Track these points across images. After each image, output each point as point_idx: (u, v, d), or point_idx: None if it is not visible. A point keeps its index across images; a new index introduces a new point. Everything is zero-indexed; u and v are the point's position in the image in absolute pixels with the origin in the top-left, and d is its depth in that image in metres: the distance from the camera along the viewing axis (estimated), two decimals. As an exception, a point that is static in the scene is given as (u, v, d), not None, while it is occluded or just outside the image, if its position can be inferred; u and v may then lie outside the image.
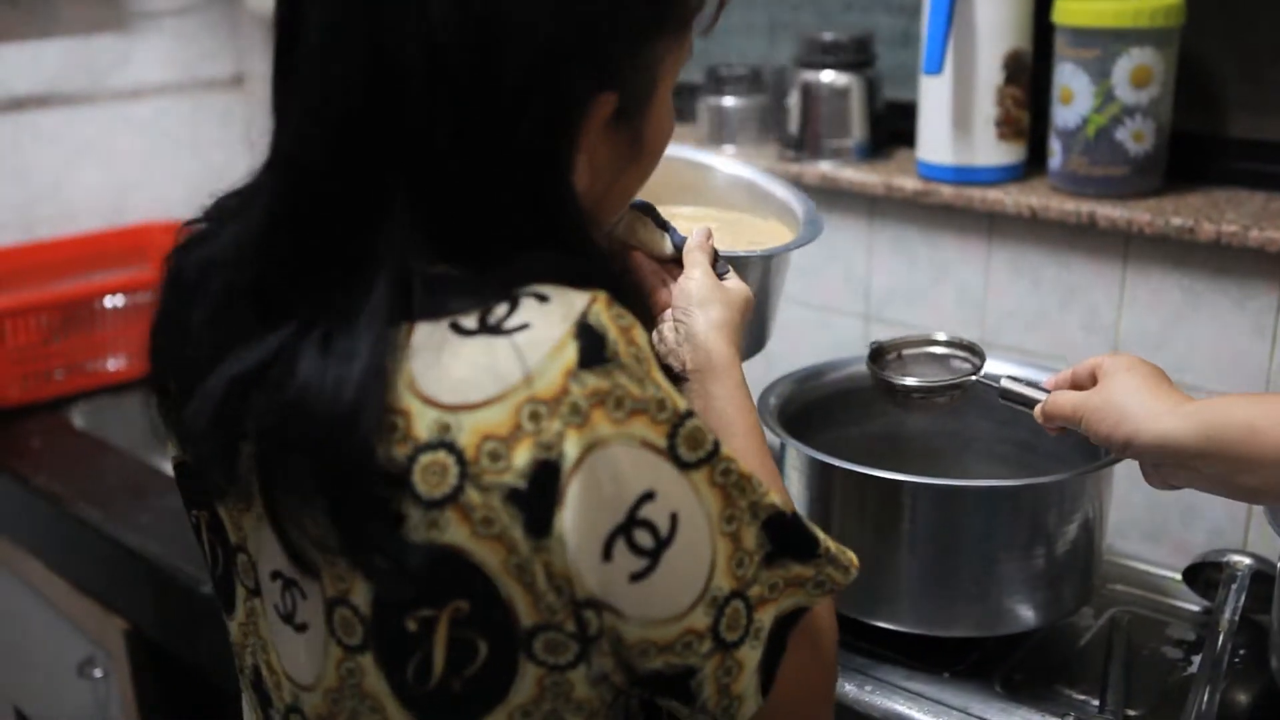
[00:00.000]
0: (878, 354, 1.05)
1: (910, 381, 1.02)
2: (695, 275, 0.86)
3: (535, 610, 0.65)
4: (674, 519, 0.65)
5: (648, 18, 0.71)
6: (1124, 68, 1.37)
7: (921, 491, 1.00)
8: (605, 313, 0.64)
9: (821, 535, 0.72)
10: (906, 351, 1.07)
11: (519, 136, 0.67)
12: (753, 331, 1.02)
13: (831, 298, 1.66)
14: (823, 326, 1.66)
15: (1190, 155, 1.45)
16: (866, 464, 1.03)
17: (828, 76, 1.61)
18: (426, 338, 0.65)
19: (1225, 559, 1.07)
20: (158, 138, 2.23)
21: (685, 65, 0.78)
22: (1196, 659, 1.09)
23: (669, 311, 0.85)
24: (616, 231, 0.90)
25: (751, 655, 0.68)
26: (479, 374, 0.63)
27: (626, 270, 0.85)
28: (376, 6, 0.64)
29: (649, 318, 0.79)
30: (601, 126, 0.71)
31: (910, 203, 1.55)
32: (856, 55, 1.61)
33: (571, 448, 0.62)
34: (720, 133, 1.71)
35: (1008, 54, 1.46)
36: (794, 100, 1.64)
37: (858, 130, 1.62)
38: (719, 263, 0.89)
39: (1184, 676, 1.09)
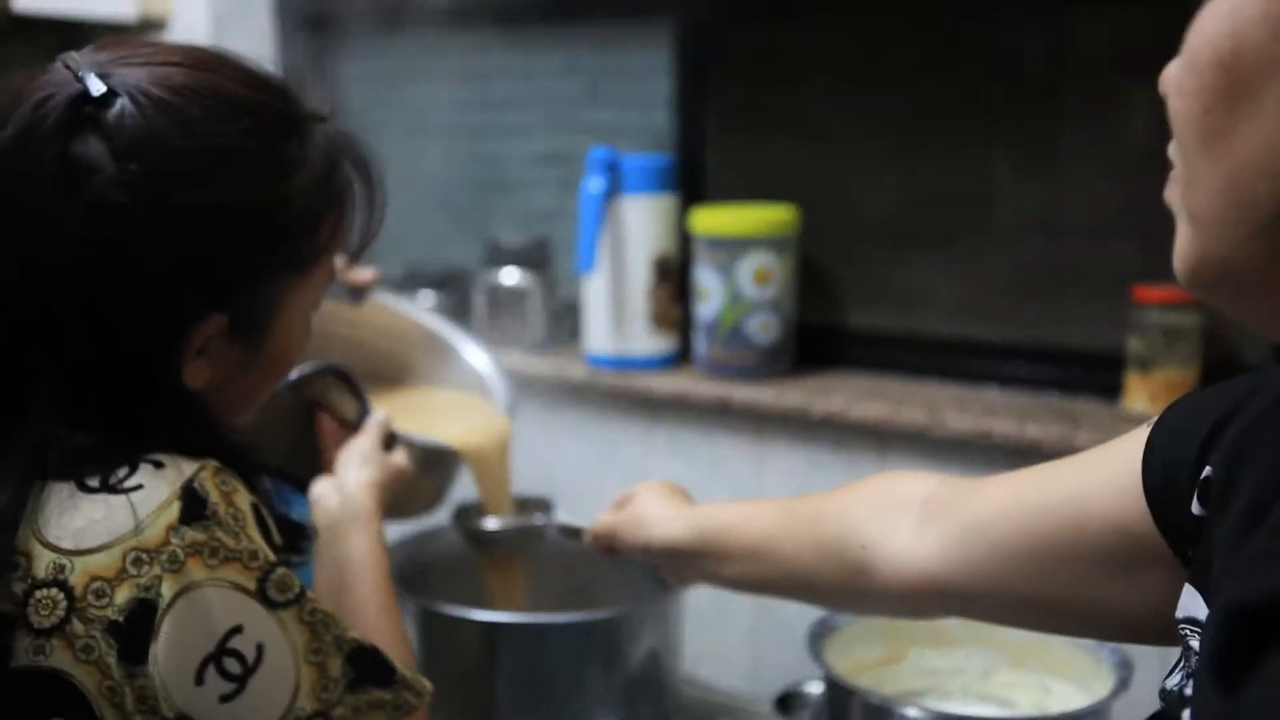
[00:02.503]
0: (463, 513, 1.18)
1: (489, 527, 1.15)
2: (363, 441, 1.03)
3: None
4: (260, 649, 0.75)
5: (262, 260, 0.82)
6: (747, 269, 1.57)
7: (505, 631, 1.11)
8: (210, 479, 0.76)
9: (398, 665, 0.83)
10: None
11: (133, 340, 0.78)
12: (436, 492, 1.17)
13: (519, 481, 1.77)
14: (508, 505, 1.78)
15: (815, 343, 1.65)
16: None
17: (509, 277, 1.78)
18: (55, 493, 0.76)
19: (803, 686, 1.18)
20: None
21: (325, 290, 0.88)
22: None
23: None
24: (311, 392, 1.05)
25: None
26: (95, 525, 0.74)
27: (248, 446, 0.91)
28: (23, 220, 0.75)
29: (256, 484, 0.88)
30: (218, 337, 0.81)
31: (580, 389, 1.70)
32: (535, 256, 1.79)
33: (167, 589, 0.72)
34: (416, 327, 1.84)
35: (656, 258, 1.65)
36: (480, 299, 1.79)
37: (537, 326, 1.78)
38: (395, 438, 1.05)
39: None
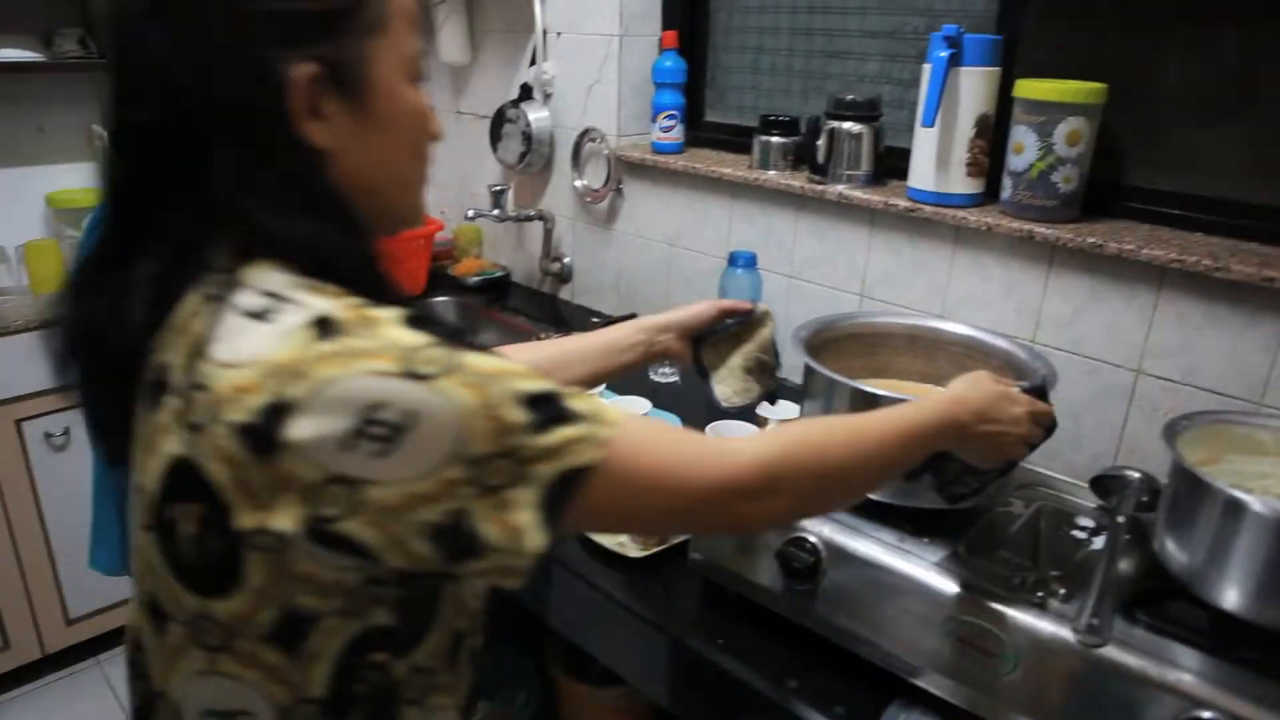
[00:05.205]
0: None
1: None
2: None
3: (254, 515, 0.75)
4: (412, 414, 0.73)
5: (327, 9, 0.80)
6: (1062, 131, 1.96)
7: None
8: (343, 306, 0.77)
9: (581, 405, 0.79)
10: None
11: (236, 94, 0.77)
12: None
13: (838, 280, 2.23)
14: (830, 299, 2.24)
15: (1101, 195, 2.03)
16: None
17: (847, 125, 2.20)
18: (213, 314, 0.78)
19: (1122, 473, 1.40)
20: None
21: (417, 59, 0.86)
22: (1097, 540, 1.38)
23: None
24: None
25: (523, 495, 0.75)
26: (247, 345, 0.75)
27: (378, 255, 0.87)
28: (124, 20, 0.80)
29: (395, 297, 0.82)
30: (322, 95, 0.79)
31: (901, 216, 2.13)
32: (869, 111, 2.21)
33: (300, 391, 0.73)
34: (766, 161, 2.30)
35: (979, 117, 2.05)
36: (822, 141, 2.23)
37: (866, 164, 2.21)
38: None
39: (1088, 551, 1.37)
